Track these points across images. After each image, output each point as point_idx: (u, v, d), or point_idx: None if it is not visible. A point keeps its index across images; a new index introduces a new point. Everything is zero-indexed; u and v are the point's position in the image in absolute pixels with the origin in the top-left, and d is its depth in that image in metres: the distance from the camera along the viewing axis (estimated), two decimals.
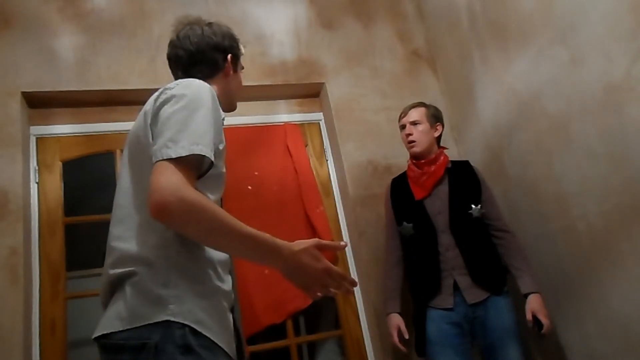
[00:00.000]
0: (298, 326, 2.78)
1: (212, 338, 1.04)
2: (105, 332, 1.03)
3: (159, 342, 0.98)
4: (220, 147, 1.16)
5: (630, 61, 1.66)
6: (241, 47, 1.45)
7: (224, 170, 1.21)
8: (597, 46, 1.78)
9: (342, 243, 1.16)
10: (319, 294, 1.10)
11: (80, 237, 2.70)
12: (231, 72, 1.39)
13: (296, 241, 1.08)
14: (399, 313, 2.07)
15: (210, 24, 1.38)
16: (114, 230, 1.15)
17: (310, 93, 2.71)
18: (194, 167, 1.05)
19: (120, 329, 1.01)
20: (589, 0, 1.79)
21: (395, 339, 2.03)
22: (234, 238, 1.02)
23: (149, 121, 1.13)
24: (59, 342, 2.03)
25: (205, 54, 1.35)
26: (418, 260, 2.06)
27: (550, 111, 2.02)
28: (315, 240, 1.09)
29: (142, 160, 1.12)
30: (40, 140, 2.27)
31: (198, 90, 1.13)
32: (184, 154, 1.01)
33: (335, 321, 2.63)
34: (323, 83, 2.63)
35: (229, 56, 1.38)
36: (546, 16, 1.99)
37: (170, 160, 1.00)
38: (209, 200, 1.02)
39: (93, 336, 1.06)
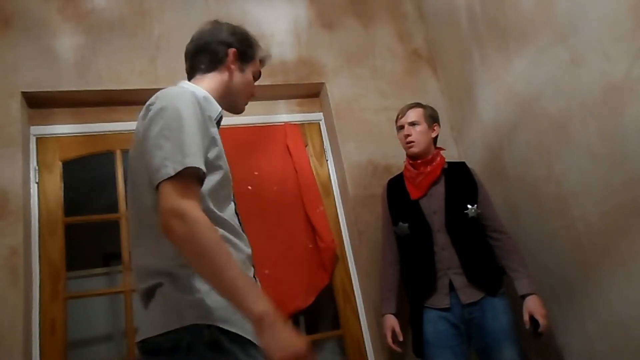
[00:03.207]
0: (298, 326, 2.79)
1: (238, 332, 1.09)
2: (143, 338, 1.12)
3: (190, 342, 1.05)
4: (215, 151, 1.19)
5: (630, 61, 1.66)
6: (258, 50, 1.43)
7: (226, 167, 1.24)
8: (597, 46, 1.78)
9: None
10: None
11: (80, 237, 2.71)
12: (233, 67, 1.37)
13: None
14: (395, 314, 2.07)
15: (226, 24, 1.41)
16: (133, 249, 1.23)
17: (310, 93, 2.71)
18: (194, 178, 1.09)
19: (155, 334, 1.09)
20: (589, 0, 1.79)
21: (389, 340, 2.03)
22: (221, 269, 1.02)
23: (141, 142, 1.16)
24: (59, 342, 2.03)
25: (208, 45, 1.36)
26: (414, 260, 2.06)
27: (550, 111, 2.02)
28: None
29: (141, 182, 1.16)
30: (40, 140, 2.27)
31: (176, 100, 1.15)
32: (180, 169, 1.05)
33: (332, 321, 2.64)
34: (323, 83, 2.63)
35: (232, 50, 1.36)
36: (546, 16, 1.99)
37: (170, 178, 1.05)
38: (211, 225, 1.05)
39: (136, 341, 1.16)
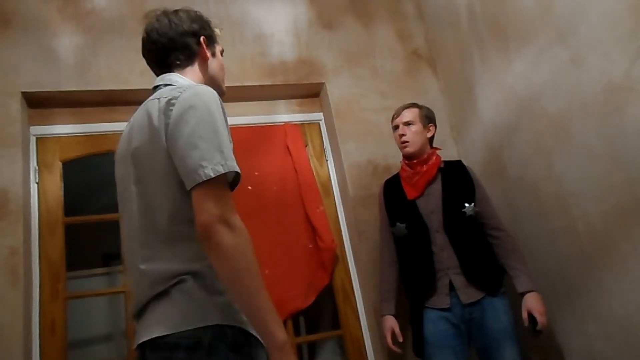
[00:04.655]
0: (298, 326, 2.79)
1: (257, 335, 1.09)
2: (157, 335, 1.06)
3: (211, 341, 1.04)
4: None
5: (630, 61, 1.66)
6: (215, 29, 1.41)
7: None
8: (597, 46, 1.78)
9: None
10: None
11: (80, 237, 2.70)
12: (209, 55, 1.35)
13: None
14: (394, 315, 2.07)
15: (176, 12, 1.34)
16: (143, 252, 1.15)
17: (310, 93, 2.71)
18: (229, 183, 1.09)
19: (173, 331, 1.05)
20: (589, 0, 1.79)
21: (389, 341, 2.03)
22: (257, 289, 1.04)
23: (162, 139, 1.12)
24: (59, 342, 2.03)
25: (176, 42, 1.30)
26: (412, 261, 2.06)
27: (550, 111, 2.03)
28: None
29: (154, 180, 1.14)
30: (40, 140, 2.27)
31: (205, 98, 1.12)
32: (222, 172, 1.04)
33: (333, 321, 2.63)
34: (323, 83, 2.63)
35: (202, 38, 1.33)
36: (546, 16, 1.99)
37: (209, 181, 1.03)
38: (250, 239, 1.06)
39: (140, 340, 1.10)
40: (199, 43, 1.33)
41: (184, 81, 1.27)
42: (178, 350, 1.04)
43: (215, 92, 1.16)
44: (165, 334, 1.06)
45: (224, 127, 1.12)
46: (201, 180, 1.03)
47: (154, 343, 1.07)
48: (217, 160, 1.04)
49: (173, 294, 1.09)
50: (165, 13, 1.34)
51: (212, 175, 1.03)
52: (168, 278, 1.10)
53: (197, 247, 1.08)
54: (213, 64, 1.37)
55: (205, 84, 1.29)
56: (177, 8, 1.35)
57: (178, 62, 1.31)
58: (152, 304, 1.12)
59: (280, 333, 1.03)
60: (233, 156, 1.09)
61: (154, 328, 1.09)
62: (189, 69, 1.32)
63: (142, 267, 1.14)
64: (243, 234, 1.04)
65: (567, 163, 1.96)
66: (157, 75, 1.34)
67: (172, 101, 1.13)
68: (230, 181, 1.11)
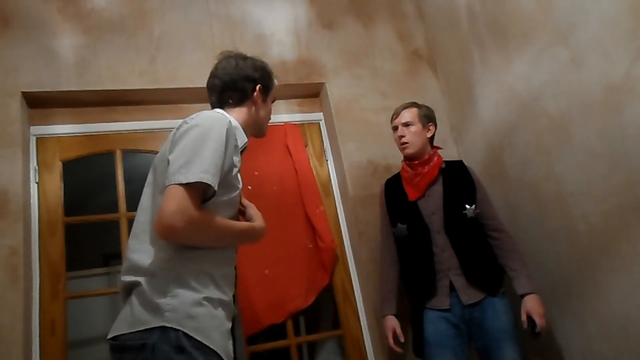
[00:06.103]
0: (298, 326, 2.78)
1: (203, 341, 1.16)
2: (114, 335, 1.20)
3: (156, 343, 1.13)
4: (234, 172, 1.31)
5: (630, 61, 1.66)
6: (274, 80, 1.58)
7: (237, 191, 1.35)
8: (597, 46, 1.78)
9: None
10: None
11: (80, 237, 2.71)
12: (260, 100, 1.51)
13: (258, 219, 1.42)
14: (395, 315, 2.07)
15: (245, 58, 1.53)
16: (130, 242, 1.31)
17: (310, 93, 2.71)
18: (200, 192, 1.20)
19: (125, 332, 1.17)
20: (589, 0, 1.79)
21: (391, 341, 2.03)
22: (232, 238, 1.33)
23: (167, 150, 1.28)
24: (59, 342, 2.03)
25: (235, 83, 1.48)
26: (413, 261, 2.06)
27: (550, 111, 2.03)
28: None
29: (159, 184, 1.29)
30: (40, 140, 2.27)
31: (212, 123, 1.28)
32: (192, 180, 1.16)
33: (333, 321, 2.63)
34: (323, 83, 2.63)
35: (258, 86, 1.50)
36: (546, 16, 1.99)
37: (181, 185, 1.16)
38: (211, 216, 1.22)
39: (107, 337, 1.23)
40: (254, 89, 1.50)
41: (226, 116, 1.39)
42: (127, 352, 1.15)
43: (226, 120, 1.31)
44: (118, 334, 1.19)
45: (219, 147, 1.24)
46: (173, 183, 1.16)
47: (111, 344, 1.21)
48: (193, 171, 1.17)
49: (132, 295, 1.22)
50: (235, 56, 1.53)
51: (183, 181, 1.16)
52: (134, 270, 1.23)
53: (168, 251, 1.21)
54: (262, 109, 1.54)
55: (249, 125, 1.50)
56: (247, 55, 1.55)
57: (231, 101, 1.48)
58: (124, 299, 1.26)
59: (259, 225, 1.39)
60: (213, 172, 1.20)
61: (114, 328, 1.22)
62: (237, 109, 1.49)
63: (127, 254, 1.29)
64: (201, 224, 1.18)
65: (567, 163, 1.96)
66: (212, 108, 1.50)
67: (187, 121, 1.30)
68: (210, 194, 1.24)
